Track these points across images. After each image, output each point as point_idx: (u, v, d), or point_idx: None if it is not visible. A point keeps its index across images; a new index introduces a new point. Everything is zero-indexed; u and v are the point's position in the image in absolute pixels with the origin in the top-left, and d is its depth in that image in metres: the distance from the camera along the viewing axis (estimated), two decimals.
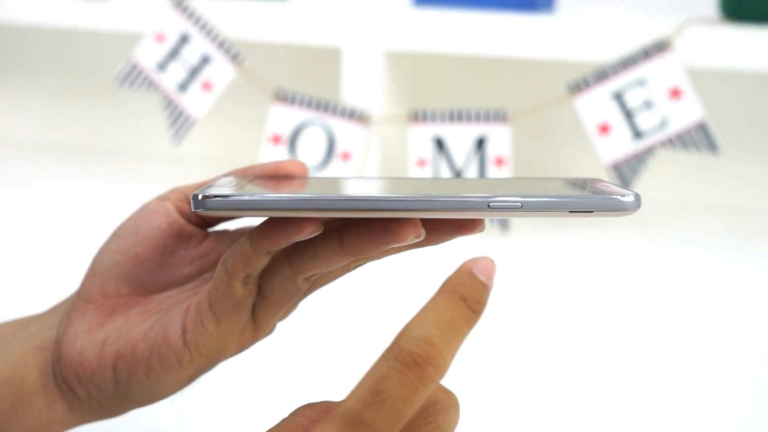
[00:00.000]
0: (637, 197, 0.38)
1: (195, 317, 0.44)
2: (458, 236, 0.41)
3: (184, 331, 0.44)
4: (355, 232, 0.40)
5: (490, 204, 0.38)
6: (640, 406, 0.71)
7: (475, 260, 0.35)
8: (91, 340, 0.45)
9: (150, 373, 0.45)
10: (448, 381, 0.35)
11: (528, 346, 0.81)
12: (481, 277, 0.35)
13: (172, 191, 0.48)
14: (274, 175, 0.44)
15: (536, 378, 0.75)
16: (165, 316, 0.45)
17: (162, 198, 0.48)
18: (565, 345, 0.81)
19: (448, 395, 0.36)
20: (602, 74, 1.02)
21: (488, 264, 0.35)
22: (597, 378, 0.76)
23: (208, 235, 0.48)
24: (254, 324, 0.46)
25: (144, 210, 0.47)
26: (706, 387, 0.74)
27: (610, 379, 0.75)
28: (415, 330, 0.33)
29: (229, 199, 0.38)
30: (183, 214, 0.47)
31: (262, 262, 0.42)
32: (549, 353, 0.80)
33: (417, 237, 0.40)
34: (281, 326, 0.49)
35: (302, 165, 0.45)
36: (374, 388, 0.32)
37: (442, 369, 0.33)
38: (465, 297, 0.34)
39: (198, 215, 0.47)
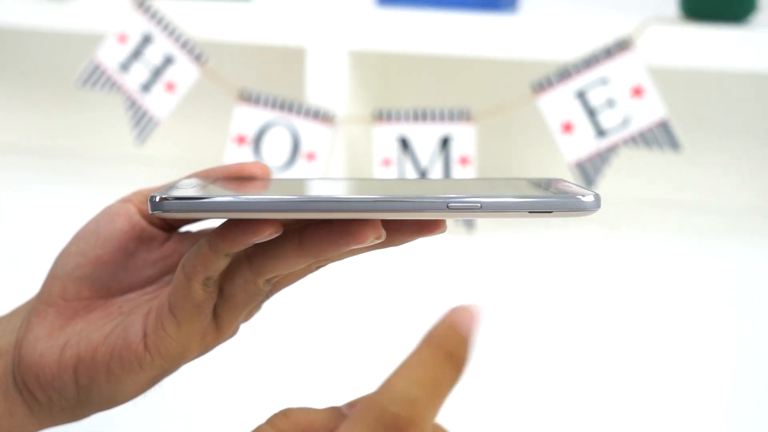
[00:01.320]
0: (597, 197, 0.38)
1: (156, 320, 0.44)
2: (420, 237, 0.41)
3: (144, 335, 0.44)
4: (315, 233, 0.40)
5: (449, 205, 0.38)
6: (614, 404, 0.72)
7: (456, 312, 0.34)
8: (51, 344, 0.45)
9: (111, 376, 0.44)
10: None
11: (495, 344, 0.81)
12: (463, 333, 0.33)
13: (135, 193, 0.48)
14: (237, 177, 0.44)
15: (505, 378, 0.76)
16: (126, 320, 0.45)
17: (124, 200, 0.47)
18: (531, 343, 0.82)
19: None
20: (565, 73, 1.03)
21: (470, 315, 0.34)
22: (566, 376, 0.76)
23: (170, 237, 0.48)
24: (216, 326, 0.45)
25: (106, 212, 0.47)
26: (677, 383, 0.75)
27: (580, 376, 0.76)
28: (399, 390, 0.32)
29: (186, 201, 0.38)
30: (145, 216, 0.47)
31: (222, 264, 0.42)
32: (515, 352, 0.80)
33: (377, 238, 0.40)
34: (246, 327, 0.49)
35: (264, 167, 0.44)
36: None
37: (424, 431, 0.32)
38: (451, 354, 0.33)
39: (160, 217, 0.47)
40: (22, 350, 0.45)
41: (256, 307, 0.47)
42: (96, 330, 0.45)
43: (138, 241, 0.47)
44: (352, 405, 0.37)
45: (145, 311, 0.45)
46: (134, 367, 0.44)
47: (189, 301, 0.43)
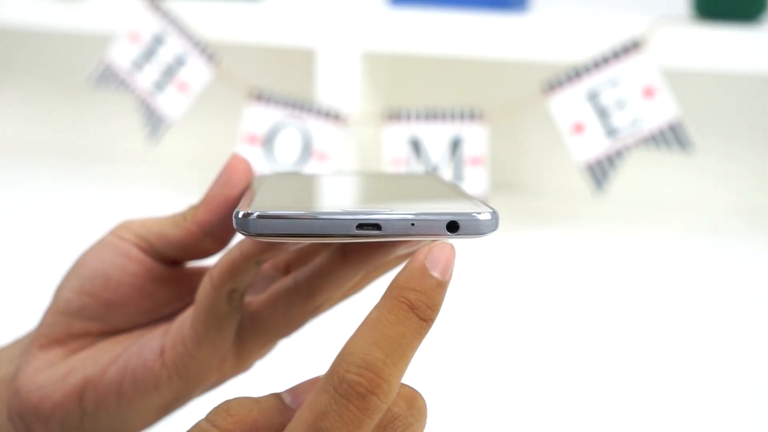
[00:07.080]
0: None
1: (175, 335, 0.41)
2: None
3: (162, 350, 0.41)
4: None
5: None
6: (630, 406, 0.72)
7: (429, 249, 0.31)
8: (53, 373, 0.41)
9: (122, 399, 0.41)
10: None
11: (507, 344, 0.82)
12: (436, 274, 0.30)
13: (126, 230, 0.42)
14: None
15: (520, 377, 0.76)
16: (140, 340, 0.42)
17: (125, 239, 0.43)
18: (545, 342, 0.82)
19: (411, 404, 0.31)
20: (576, 74, 1.03)
21: (445, 252, 0.31)
22: (571, 374, 0.76)
23: (182, 274, 0.44)
24: (237, 354, 0.42)
25: (110, 249, 0.42)
26: (683, 385, 0.75)
27: (584, 375, 0.76)
28: (356, 354, 0.29)
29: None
30: (149, 253, 0.43)
31: (251, 274, 0.39)
32: (518, 352, 0.80)
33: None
34: None
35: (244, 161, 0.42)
36: (314, 427, 0.29)
37: (389, 396, 0.29)
38: (414, 305, 0.30)
39: (164, 252, 0.43)
40: (19, 381, 0.42)
41: (276, 341, 0.44)
42: (105, 353, 0.42)
43: (157, 282, 0.43)
44: (293, 392, 0.34)
45: (163, 330, 0.42)
46: (149, 386, 0.41)
47: (212, 314, 0.39)
